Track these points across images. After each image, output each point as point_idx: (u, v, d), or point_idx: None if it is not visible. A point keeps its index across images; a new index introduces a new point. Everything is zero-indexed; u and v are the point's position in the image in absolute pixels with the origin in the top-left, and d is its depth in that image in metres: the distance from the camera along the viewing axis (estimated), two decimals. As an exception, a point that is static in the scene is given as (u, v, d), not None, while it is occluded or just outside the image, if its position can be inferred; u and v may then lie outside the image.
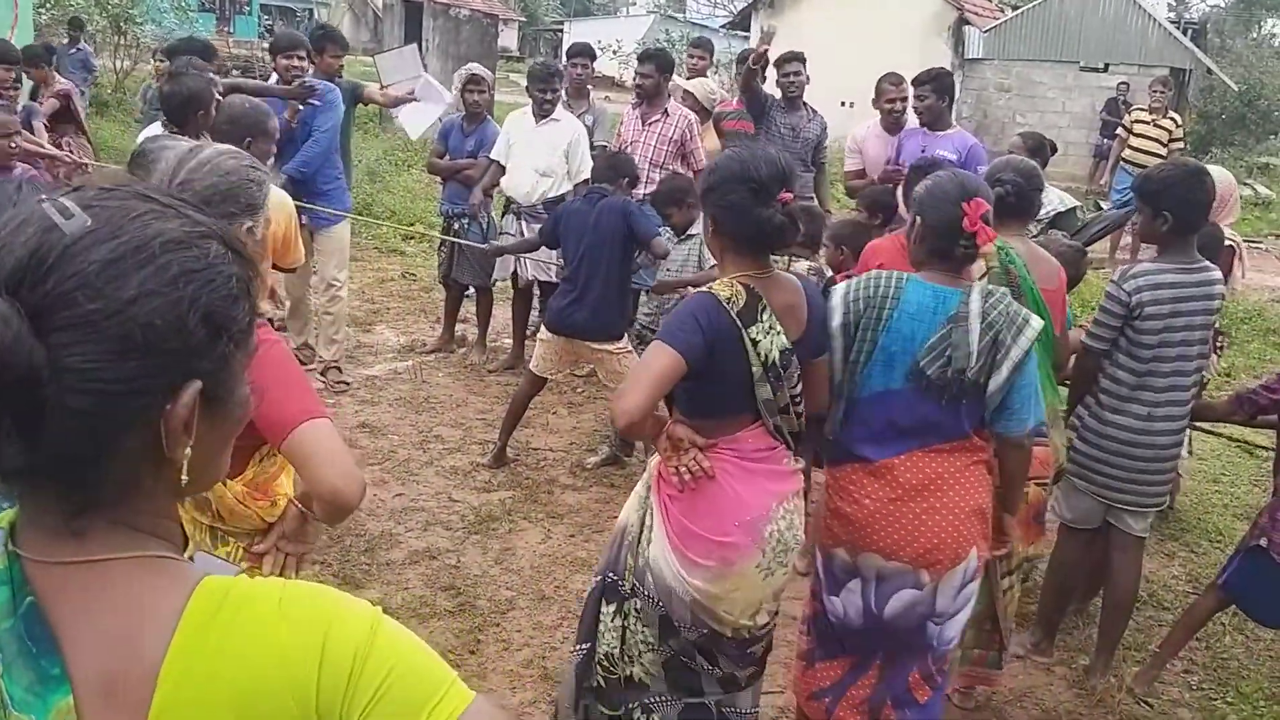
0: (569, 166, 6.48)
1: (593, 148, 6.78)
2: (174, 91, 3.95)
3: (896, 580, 2.89)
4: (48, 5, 17.00)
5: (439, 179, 7.54)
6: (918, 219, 2.95)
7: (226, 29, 38.97)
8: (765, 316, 2.71)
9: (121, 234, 0.87)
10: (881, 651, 2.99)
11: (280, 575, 2.25)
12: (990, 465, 2.95)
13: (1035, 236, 5.50)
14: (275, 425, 2.03)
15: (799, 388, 2.81)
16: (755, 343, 2.70)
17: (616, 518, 3.11)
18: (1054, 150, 6.10)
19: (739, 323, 2.68)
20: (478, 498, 5.14)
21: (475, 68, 7.22)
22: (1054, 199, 5.89)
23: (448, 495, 5.15)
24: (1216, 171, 5.23)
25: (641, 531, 2.92)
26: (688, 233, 5.70)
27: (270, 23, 43.66)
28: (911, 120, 6.58)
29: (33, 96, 9.69)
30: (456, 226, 6.99)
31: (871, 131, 6.58)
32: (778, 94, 7.05)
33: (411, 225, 10.58)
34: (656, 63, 6.73)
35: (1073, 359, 3.94)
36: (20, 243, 0.84)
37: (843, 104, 16.37)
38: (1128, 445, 3.70)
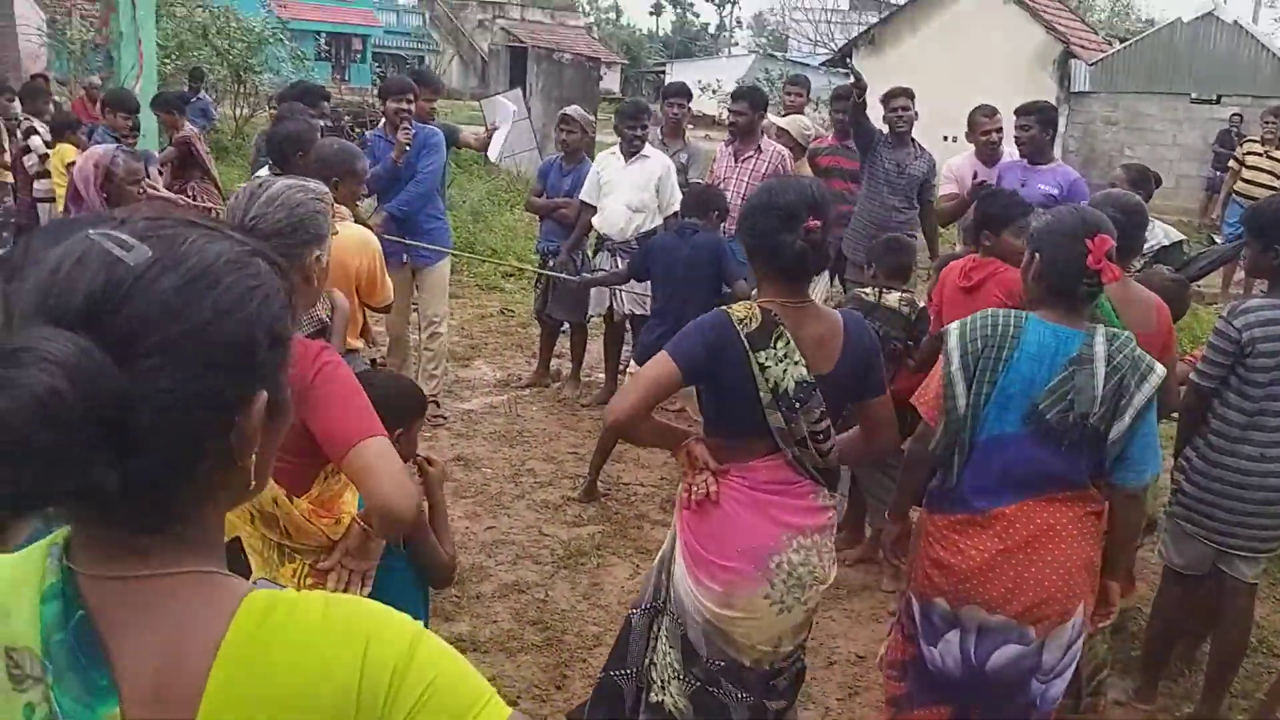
0: (659, 201, 6.53)
1: (686, 185, 6.83)
2: (275, 133, 4.12)
3: (1000, 635, 2.79)
4: (172, 56, 17.81)
5: (537, 217, 7.67)
6: (1036, 255, 2.85)
7: (341, 77, 40.39)
8: (780, 344, 2.68)
9: (186, 259, 0.91)
10: (982, 703, 2.90)
11: (344, 591, 2.29)
12: (1103, 517, 2.85)
13: (1139, 271, 5.35)
14: (336, 441, 2.12)
15: (822, 423, 2.74)
16: (764, 368, 2.67)
17: None
18: (1158, 183, 5.92)
19: (747, 345, 2.68)
20: (568, 532, 5.16)
21: (569, 109, 7.33)
22: (1159, 233, 5.69)
23: (538, 529, 5.18)
24: None
25: (672, 551, 2.95)
26: None
27: (382, 70, 45.06)
28: (1009, 153, 6.47)
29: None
30: (552, 263, 7.07)
31: (967, 162, 6.49)
32: (885, 129, 6.96)
33: (507, 260, 10.76)
34: (750, 100, 6.77)
35: (1181, 396, 3.80)
36: (87, 278, 0.87)
37: (945, 138, 16.16)
38: (1239, 487, 3.54)
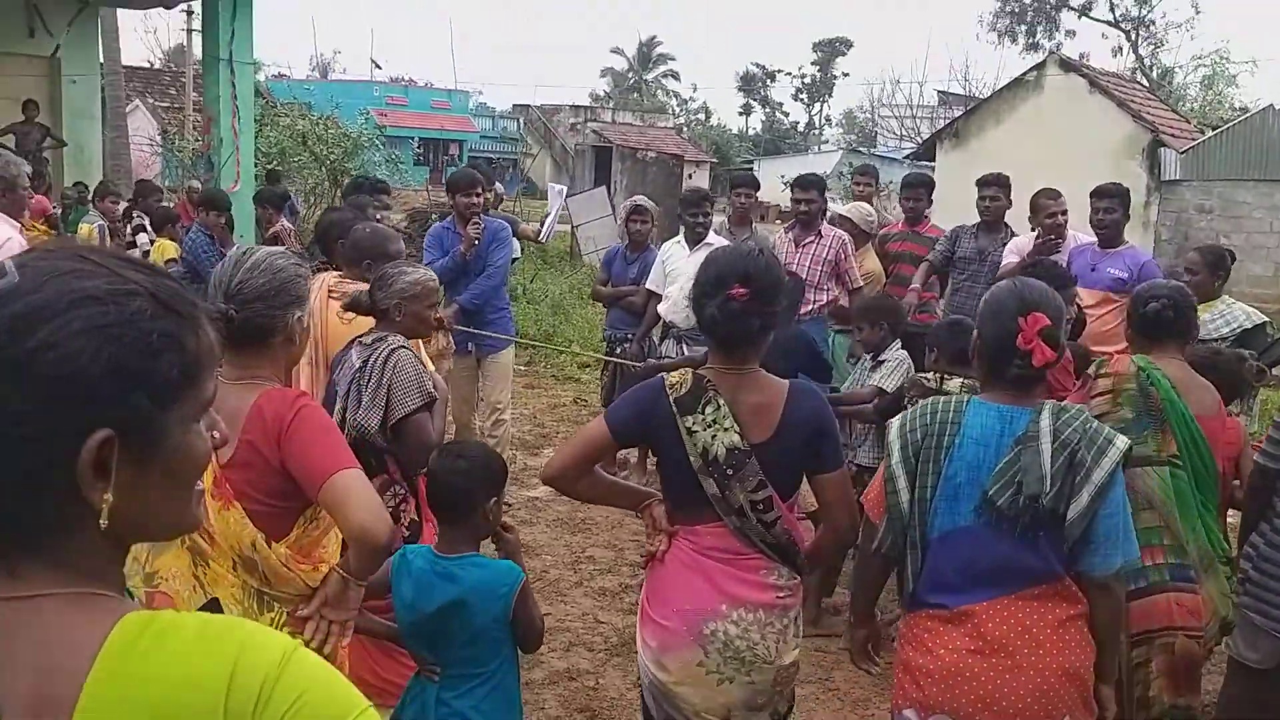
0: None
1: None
2: (320, 222, 4.27)
3: None
4: (273, 161, 18.63)
5: (604, 305, 7.77)
6: (976, 332, 2.75)
7: (438, 180, 41.81)
8: (709, 410, 2.67)
9: (39, 290, 0.95)
10: None
11: (324, 642, 2.33)
12: (1089, 621, 2.63)
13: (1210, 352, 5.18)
14: (312, 475, 2.25)
15: (761, 493, 2.67)
16: (691, 432, 2.66)
17: None
18: (1233, 259, 5.77)
19: (674, 409, 2.69)
20: (623, 619, 5.09)
21: (639, 199, 7.48)
22: (1239, 314, 5.52)
23: (594, 616, 5.13)
24: None
25: None
26: (880, 358, 5.32)
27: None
28: (1082, 236, 6.35)
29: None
30: (619, 350, 7.12)
31: (1031, 243, 6.38)
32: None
33: (569, 349, 10.90)
34: (818, 188, 6.81)
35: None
36: None
37: (1034, 229, 16.05)
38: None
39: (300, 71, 56.29)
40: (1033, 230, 6.38)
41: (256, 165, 15.01)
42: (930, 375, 4.70)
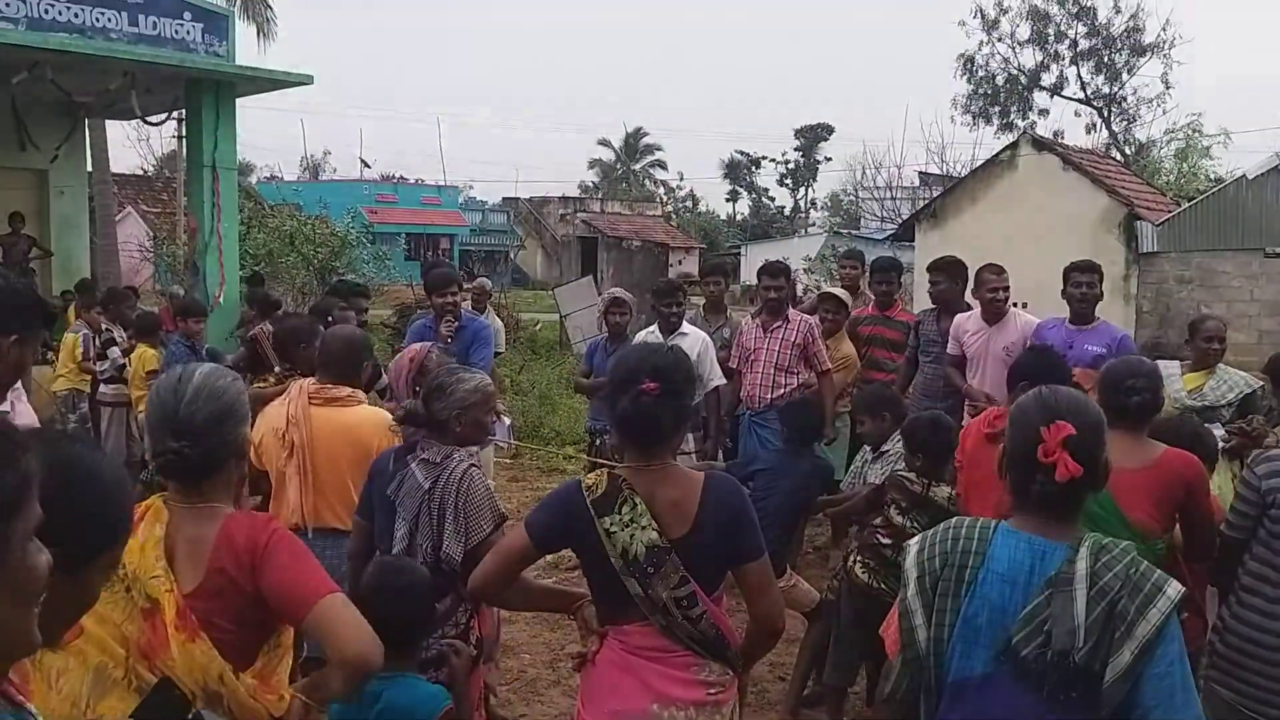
0: (699, 374, 6.58)
1: (729, 358, 6.94)
2: (279, 330, 4.29)
3: None
4: (261, 263, 18.80)
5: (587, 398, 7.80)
6: (1002, 445, 2.44)
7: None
8: (626, 510, 2.65)
9: None
10: None
11: None
12: None
13: (1223, 422, 5.22)
14: (296, 601, 2.23)
15: (683, 589, 2.65)
16: (610, 533, 2.64)
17: None
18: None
19: (592, 511, 2.66)
20: None
21: (617, 291, 7.57)
22: (1239, 381, 5.60)
23: (569, 717, 5.04)
24: None
25: None
26: (880, 449, 5.30)
27: (471, 267, 46.88)
28: (1024, 314, 6.37)
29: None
30: (598, 442, 7.13)
31: (972, 322, 6.42)
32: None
33: (575, 444, 10.89)
34: (786, 275, 6.91)
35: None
36: None
37: (1015, 304, 16.16)
38: (1277, 653, 3.32)
39: (291, 173, 57.13)
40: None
41: (244, 268, 15.16)
42: (913, 478, 4.62)
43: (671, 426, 2.72)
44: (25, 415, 4.73)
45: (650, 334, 6.80)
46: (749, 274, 41.90)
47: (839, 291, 7.45)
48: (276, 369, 8.15)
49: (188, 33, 12.39)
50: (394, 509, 3.48)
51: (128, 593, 2.21)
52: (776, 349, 6.57)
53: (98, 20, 11.58)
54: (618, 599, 2.72)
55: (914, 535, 4.41)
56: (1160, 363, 5.21)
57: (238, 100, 13.09)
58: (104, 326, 8.85)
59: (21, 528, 1.07)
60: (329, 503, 4.04)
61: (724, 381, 6.73)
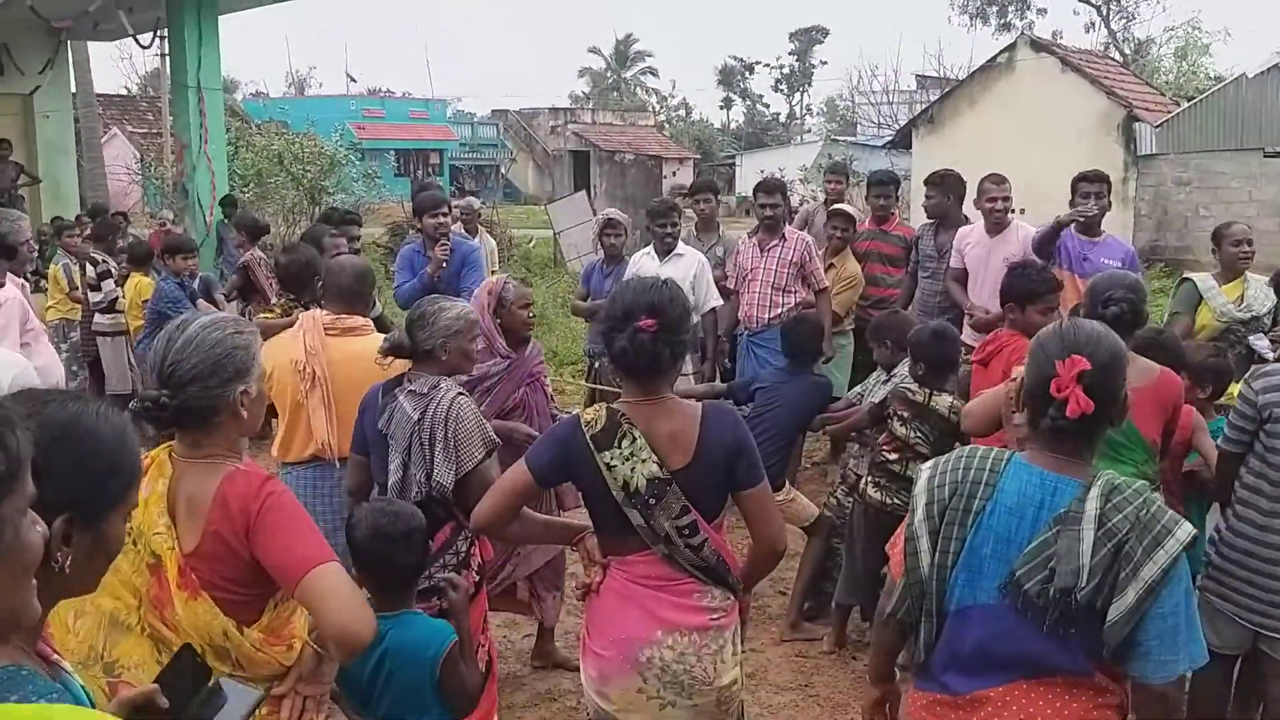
0: (694, 299, 6.55)
1: (724, 277, 6.91)
2: (282, 266, 4.24)
3: None
4: (250, 184, 18.62)
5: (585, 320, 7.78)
6: (1023, 375, 2.43)
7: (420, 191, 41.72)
8: (625, 443, 2.71)
9: None
10: None
11: (300, 718, 2.31)
12: (1124, 710, 2.32)
13: (1253, 336, 5.22)
14: (287, 570, 2.19)
15: (684, 518, 2.71)
16: (610, 467, 2.69)
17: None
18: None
19: (591, 446, 2.71)
20: (605, 636, 5.10)
21: (612, 212, 7.49)
22: (1264, 291, 5.56)
23: (576, 635, 5.12)
24: None
25: None
26: (892, 371, 5.27)
27: (461, 183, 46.42)
28: (1024, 224, 6.34)
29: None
30: (596, 365, 7.13)
31: (974, 234, 6.39)
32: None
33: (573, 364, 10.92)
34: (781, 191, 6.85)
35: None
36: None
37: (1013, 210, 16.02)
38: (1272, 564, 3.36)
39: (277, 89, 56.26)
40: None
41: (232, 189, 15.01)
42: (915, 388, 4.64)
43: (669, 360, 2.76)
44: (44, 355, 4.75)
45: (646, 254, 6.75)
46: (744, 185, 41.60)
47: (849, 208, 7.36)
48: (278, 300, 8.17)
49: (165, -52, 12.08)
50: (386, 442, 3.49)
51: (134, 545, 2.22)
52: (774, 268, 6.54)
53: (72, -61, 11.29)
54: (620, 530, 2.78)
55: (917, 445, 4.53)
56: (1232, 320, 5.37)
57: (220, 17, 12.82)
58: (97, 257, 8.78)
59: (14, 506, 1.09)
60: (351, 432, 4.04)
61: (720, 302, 6.71)
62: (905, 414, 4.65)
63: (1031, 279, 4.46)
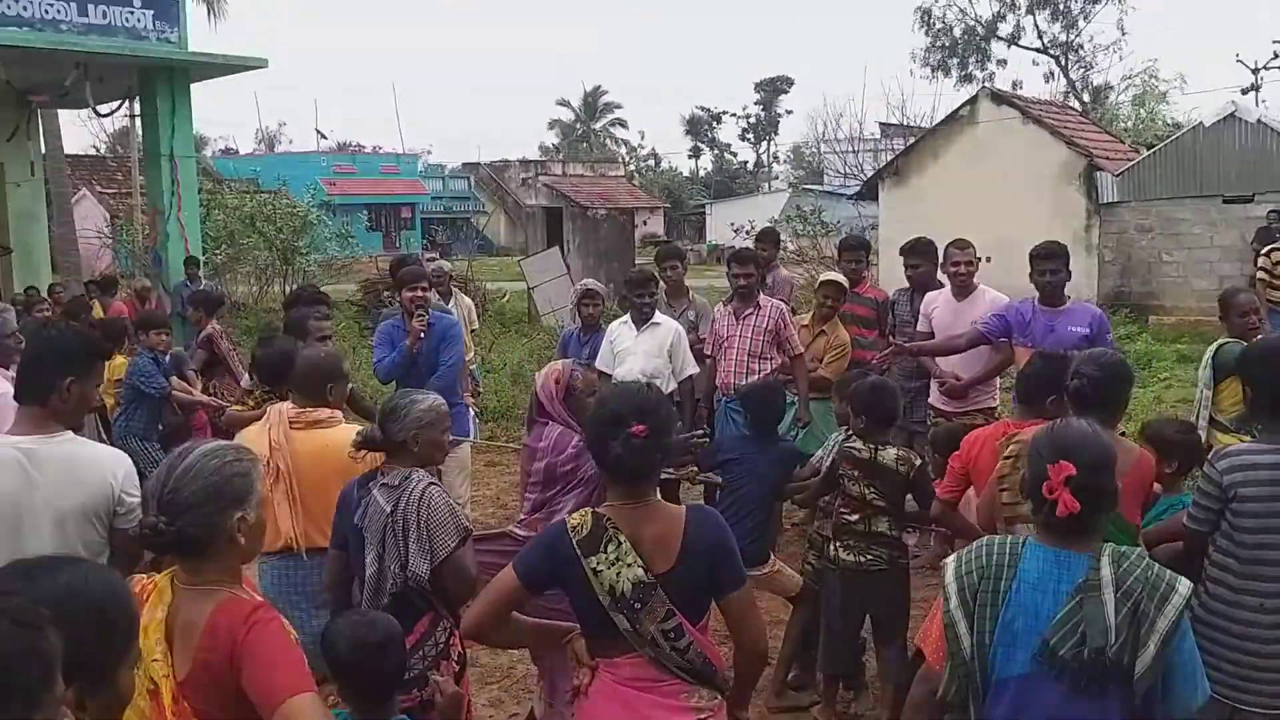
0: (673, 366, 6.64)
1: (698, 341, 7.00)
2: (259, 358, 4.28)
3: None
4: (223, 246, 18.65)
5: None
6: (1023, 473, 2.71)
7: (395, 244, 41.77)
8: (611, 548, 2.75)
9: None
10: None
11: None
12: None
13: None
14: (264, 698, 2.20)
15: (670, 622, 2.76)
16: (596, 572, 2.73)
17: None
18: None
19: (578, 552, 2.75)
20: (591, 712, 5.11)
21: (589, 283, 7.62)
22: None
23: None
24: None
25: None
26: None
27: (434, 235, 46.56)
28: (991, 291, 6.42)
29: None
30: (573, 433, 7.17)
31: (941, 298, 6.50)
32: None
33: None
34: (755, 261, 6.96)
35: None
36: None
37: (979, 259, 16.23)
38: (1244, 639, 3.43)
39: (247, 145, 56.40)
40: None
41: (205, 253, 15.03)
42: (860, 445, 4.71)
43: (659, 465, 2.83)
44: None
45: (624, 324, 6.83)
46: (715, 234, 41.92)
47: (838, 276, 7.39)
48: (251, 392, 8.09)
49: (139, 20, 12.20)
50: (363, 537, 3.52)
51: (136, 671, 2.25)
52: (749, 335, 6.63)
53: (47, 12, 11.39)
54: (607, 634, 2.81)
55: (874, 500, 4.59)
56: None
57: (192, 84, 12.94)
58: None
59: (51, 702, 1.13)
60: (318, 524, 4.07)
61: (697, 369, 6.78)
62: (855, 473, 4.71)
63: (1056, 364, 4.22)
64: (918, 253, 7.01)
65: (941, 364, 6.42)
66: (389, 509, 3.45)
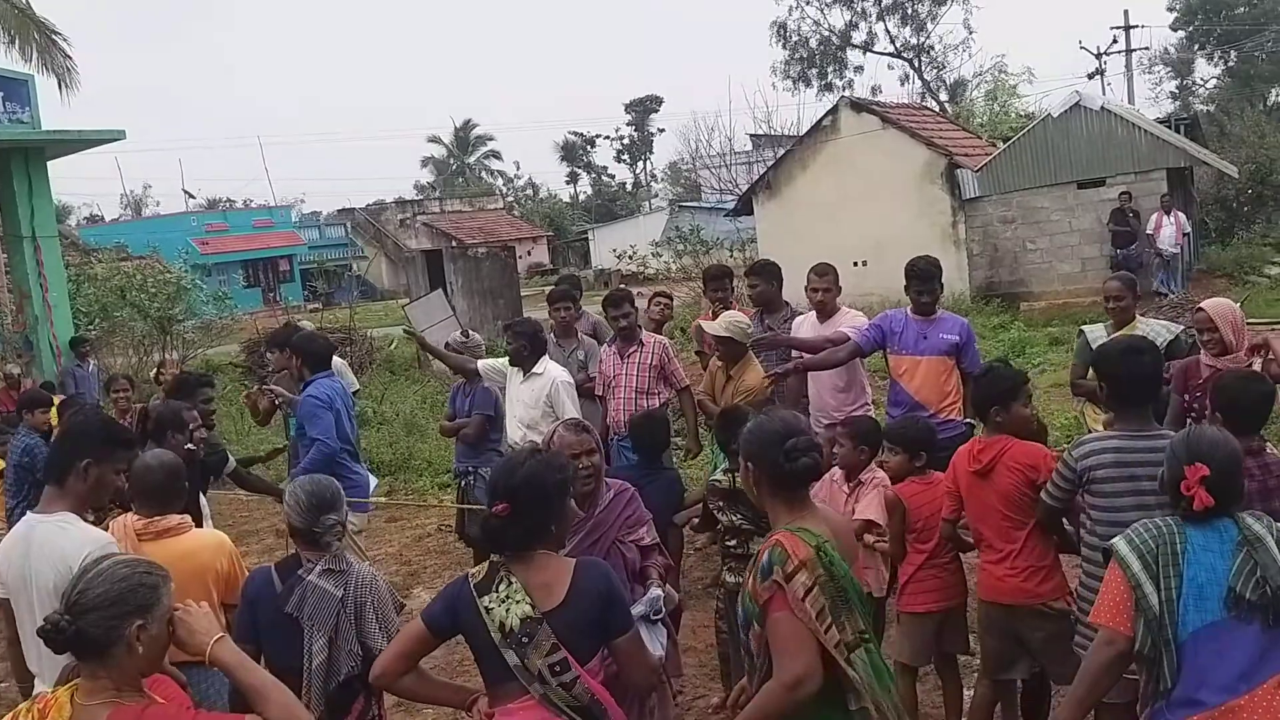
0: (555, 414, 6.63)
1: (589, 379, 7.09)
2: (138, 473, 4.06)
3: None
4: (95, 320, 18.05)
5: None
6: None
7: (275, 298, 40.99)
8: (502, 587, 2.98)
9: None
10: None
11: None
12: None
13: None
14: None
15: (556, 656, 2.92)
16: (489, 610, 2.95)
17: None
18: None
19: (474, 593, 2.99)
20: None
21: (465, 339, 7.69)
22: (1160, 330, 5.83)
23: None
24: (1213, 305, 5.26)
25: None
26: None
27: (315, 284, 45.78)
28: (850, 311, 6.64)
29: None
30: (463, 484, 7.20)
31: (807, 322, 6.73)
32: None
33: (447, 473, 10.86)
34: (630, 301, 7.08)
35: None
36: None
37: (855, 264, 16.64)
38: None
39: (112, 210, 54.82)
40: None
41: (77, 328, 14.58)
42: (721, 475, 4.88)
43: (531, 534, 3.03)
44: None
45: (515, 371, 6.79)
46: (598, 259, 42.15)
47: (726, 328, 7.25)
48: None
49: (-12, 103, 11.87)
50: (297, 625, 3.55)
51: None
52: (635, 373, 6.76)
53: (-112, 102, 11.01)
54: (500, 674, 2.97)
55: (742, 525, 4.74)
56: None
57: (49, 162, 12.62)
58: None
59: None
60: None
61: (577, 415, 6.83)
62: (721, 503, 4.87)
63: (1004, 378, 4.56)
64: (755, 273, 7.27)
65: (816, 378, 6.58)
66: (340, 594, 3.56)
